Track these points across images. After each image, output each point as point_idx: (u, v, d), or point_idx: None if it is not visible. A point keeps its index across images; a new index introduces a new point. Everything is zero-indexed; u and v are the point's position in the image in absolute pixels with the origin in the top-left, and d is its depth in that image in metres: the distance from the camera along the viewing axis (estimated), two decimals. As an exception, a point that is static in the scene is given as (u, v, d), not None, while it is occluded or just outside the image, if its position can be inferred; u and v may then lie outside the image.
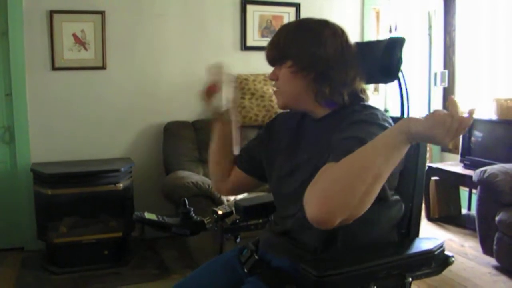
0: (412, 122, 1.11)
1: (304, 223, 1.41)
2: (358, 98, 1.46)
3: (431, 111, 1.10)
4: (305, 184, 1.39)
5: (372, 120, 1.32)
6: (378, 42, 1.64)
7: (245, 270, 1.51)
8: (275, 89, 1.52)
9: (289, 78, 1.44)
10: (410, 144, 1.15)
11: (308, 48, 1.41)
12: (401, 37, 1.58)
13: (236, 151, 1.76)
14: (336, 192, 1.11)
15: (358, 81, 1.45)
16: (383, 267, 1.31)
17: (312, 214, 1.12)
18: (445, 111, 1.08)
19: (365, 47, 1.63)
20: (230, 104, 1.67)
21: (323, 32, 1.42)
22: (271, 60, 1.50)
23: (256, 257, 1.50)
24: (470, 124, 1.07)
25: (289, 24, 1.53)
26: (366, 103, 1.47)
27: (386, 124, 1.33)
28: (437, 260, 1.39)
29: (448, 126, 1.06)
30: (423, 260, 1.39)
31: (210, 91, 1.63)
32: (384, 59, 1.55)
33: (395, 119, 1.43)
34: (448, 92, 4.95)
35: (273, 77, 1.50)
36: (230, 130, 1.71)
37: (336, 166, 1.16)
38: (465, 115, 1.09)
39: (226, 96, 1.65)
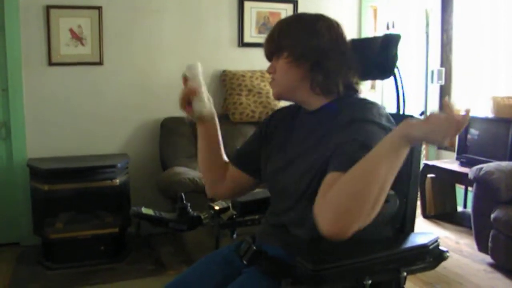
0: (411, 127, 1.14)
1: (299, 220, 1.42)
2: (352, 90, 1.49)
3: (428, 114, 1.14)
4: (300, 179, 1.40)
5: (369, 118, 1.34)
6: (374, 38, 1.65)
7: (244, 262, 1.51)
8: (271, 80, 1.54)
9: (285, 69, 1.47)
10: (410, 147, 1.17)
11: (302, 38, 1.45)
12: (396, 34, 1.58)
13: (224, 155, 1.71)
14: (348, 206, 1.14)
15: (353, 72, 1.48)
16: (378, 261, 1.32)
17: (326, 229, 1.15)
18: (442, 115, 1.11)
19: (361, 43, 1.63)
20: (202, 97, 1.56)
21: (317, 24, 1.46)
22: (268, 54, 1.53)
23: (254, 248, 1.51)
24: (466, 123, 1.11)
25: (284, 18, 1.57)
26: (360, 96, 1.49)
27: (383, 121, 1.35)
28: (432, 255, 1.40)
29: (445, 129, 1.11)
30: (418, 254, 1.39)
31: (187, 97, 1.56)
32: (380, 56, 1.56)
33: (391, 116, 1.43)
34: (445, 90, 4.96)
35: (271, 70, 1.52)
36: (216, 129, 1.65)
37: (344, 178, 1.17)
38: (462, 113, 1.12)
39: (205, 94, 1.57)
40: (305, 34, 1.45)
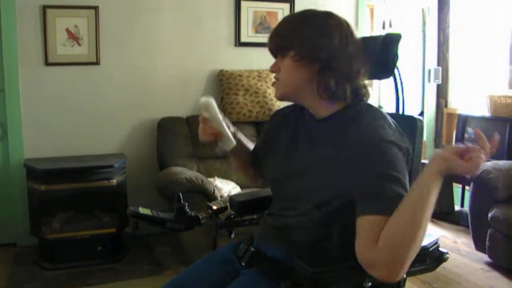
0: (453, 165, 1.17)
1: (306, 226, 1.41)
2: (359, 95, 1.44)
3: (467, 148, 1.16)
4: (316, 192, 1.38)
5: (388, 139, 1.32)
6: (374, 38, 1.63)
7: (243, 264, 1.50)
8: (274, 80, 1.49)
9: (292, 68, 1.41)
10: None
11: (312, 37, 1.38)
12: (397, 33, 1.57)
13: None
14: (404, 253, 1.16)
15: (362, 75, 1.43)
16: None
17: (385, 277, 1.17)
18: (481, 152, 1.14)
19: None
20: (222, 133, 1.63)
21: (328, 23, 1.40)
22: (274, 50, 1.47)
23: (253, 249, 1.50)
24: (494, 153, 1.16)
25: (293, 14, 1.51)
26: (367, 102, 1.45)
27: (397, 138, 1.34)
28: (432, 257, 1.40)
29: (480, 163, 1.15)
30: (417, 256, 1.38)
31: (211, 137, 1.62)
32: (380, 55, 1.54)
33: (391, 116, 1.42)
34: (442, 89, 4.96)
35: (275, 68, 1.47)
36: (244, 150, 1.77)
37: (392, 224, 1.18)
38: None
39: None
40: (316, 33, 1.38)
